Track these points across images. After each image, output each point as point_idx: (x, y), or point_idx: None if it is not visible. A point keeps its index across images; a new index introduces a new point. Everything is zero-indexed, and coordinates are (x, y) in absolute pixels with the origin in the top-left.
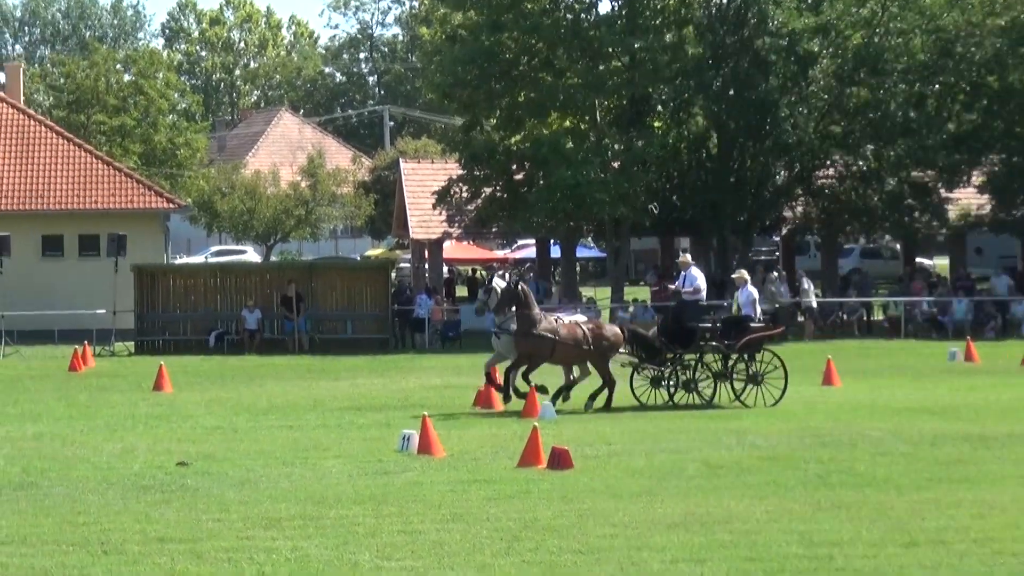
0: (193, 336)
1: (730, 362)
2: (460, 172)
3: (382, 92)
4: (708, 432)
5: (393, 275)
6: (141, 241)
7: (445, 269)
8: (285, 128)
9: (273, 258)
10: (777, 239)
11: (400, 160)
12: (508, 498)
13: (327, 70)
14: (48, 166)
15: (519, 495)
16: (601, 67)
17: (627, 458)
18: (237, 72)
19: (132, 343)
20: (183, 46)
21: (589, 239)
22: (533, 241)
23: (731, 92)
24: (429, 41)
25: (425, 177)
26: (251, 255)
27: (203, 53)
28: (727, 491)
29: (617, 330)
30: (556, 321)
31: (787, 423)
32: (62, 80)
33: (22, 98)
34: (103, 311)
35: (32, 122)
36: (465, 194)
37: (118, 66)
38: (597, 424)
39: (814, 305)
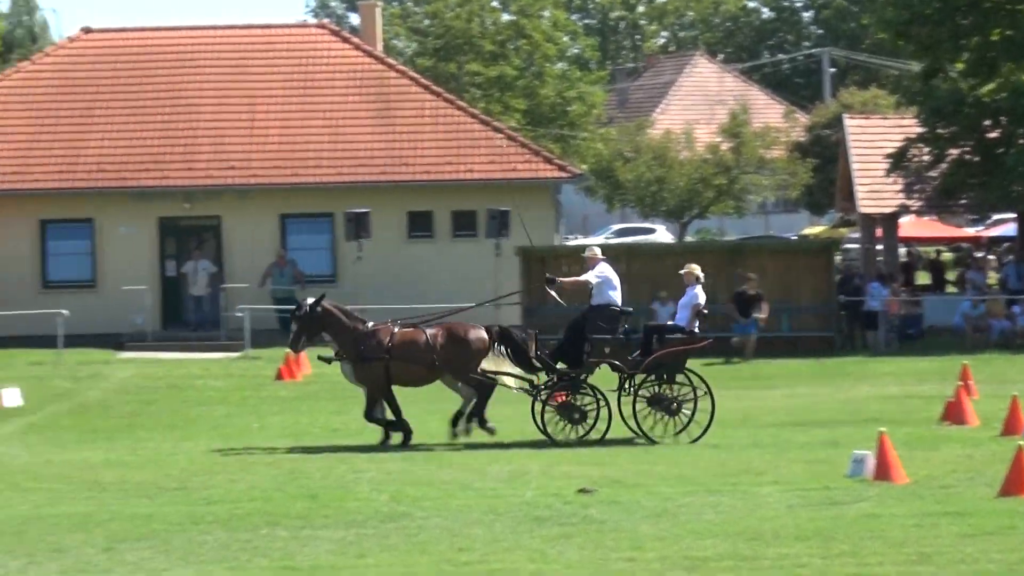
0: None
1: (634, 383)
2: (919, 130)
3: (820, 31)
4: None
5: (838, 259)
6: (527, 218)
7: (903, 251)
8: (700, 77)
9: (689, 238)
10: None
11: (844, 116)
12: (988, 535)
13: (751, 5)
14: (413, 127)
15: (1001, 531)
16: None
17: None
18: (640, 9)
19: None
20: None
21: None
22: (1013, 216)
23: None
24: None
25: (875, 136)
26: (661, 234)
27: None
28: None
29: (480, 333)
30: (392, 333)
31: None
32: (427, 22)
33: (380, 45)
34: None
35: (393, 73)
36: (926, 157)
37: (494, 3)
38: None
39: None
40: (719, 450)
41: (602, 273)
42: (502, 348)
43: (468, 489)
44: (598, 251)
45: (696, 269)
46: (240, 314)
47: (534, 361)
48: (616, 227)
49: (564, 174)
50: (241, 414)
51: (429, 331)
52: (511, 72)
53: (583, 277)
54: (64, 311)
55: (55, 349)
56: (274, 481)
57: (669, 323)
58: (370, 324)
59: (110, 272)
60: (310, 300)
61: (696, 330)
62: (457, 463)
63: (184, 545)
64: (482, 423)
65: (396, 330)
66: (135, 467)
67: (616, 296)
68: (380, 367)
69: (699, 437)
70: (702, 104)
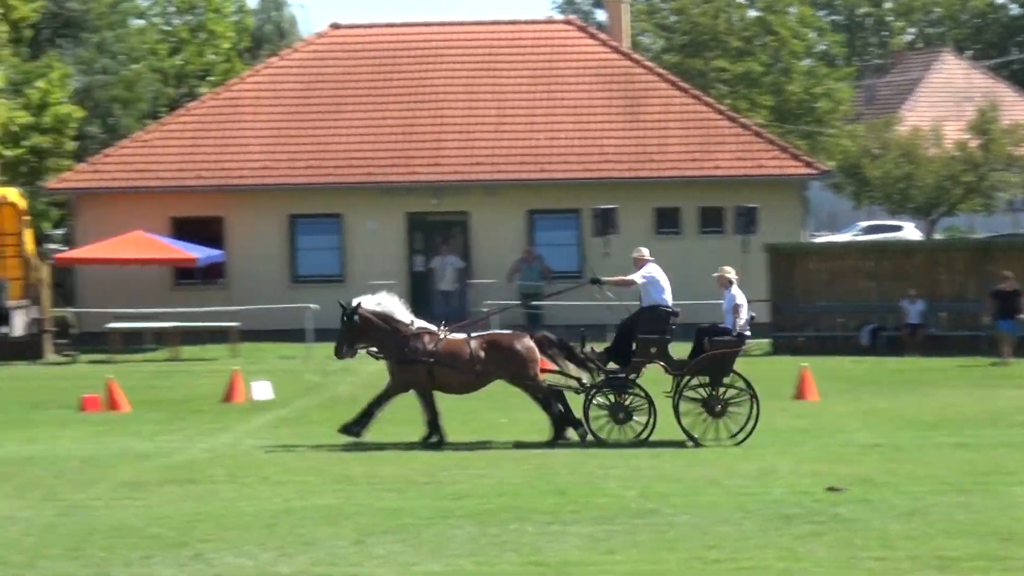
0: (841, 332)
1: (680, 384)
2: None
3: None
4: None
5: None
6: (775, 215)
7: None
8: (948, 74)
9: (937, 236)
10: None
11: None
12: None
13: (999, 1)
14: (660, 123)
15: None
16: None
17: None
18: (887, 5)
19: (767, 340)
20: None
21: None
22: None
23: None
24: None
25: None
26: (909, 231)
27: None
28: None
29: (527, 342)
30: (438, 338)
31: None
32: (673, 18)
33: (627, 41)
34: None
35: (639, 69)
36: None
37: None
38: None
39: None
40: (968, 449)
41: (649, 274)
42: (555, 353)
43: (716, 486)
44: (646, 252)
45: (728, 272)
46: (487, 309)
47: (587, 362)
48: (863, 224)
49: (811, 171)
50: (489, 409)
51: (474, 341)
52: (758, 68)
53: (629, 277)
54: (313, 305)
55: (304, 343)
56: (522, 476)
57: (719, 325)
58: (415, 326)
59: (358, 267)
60: (358, 300)
61: (747, 332)
62: (706, 460)
63: (433, 539)
64: (574, 424)
65: (443, 336)
66: (384, 461)
67: (666, 297)
68: (423, 370)
69: (743, 439)
70: (950, 101)
